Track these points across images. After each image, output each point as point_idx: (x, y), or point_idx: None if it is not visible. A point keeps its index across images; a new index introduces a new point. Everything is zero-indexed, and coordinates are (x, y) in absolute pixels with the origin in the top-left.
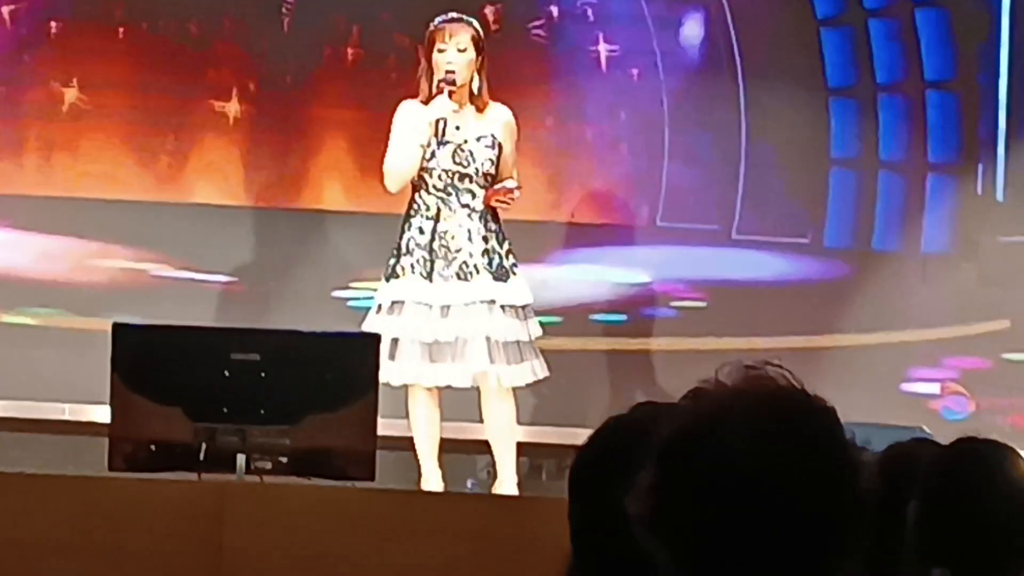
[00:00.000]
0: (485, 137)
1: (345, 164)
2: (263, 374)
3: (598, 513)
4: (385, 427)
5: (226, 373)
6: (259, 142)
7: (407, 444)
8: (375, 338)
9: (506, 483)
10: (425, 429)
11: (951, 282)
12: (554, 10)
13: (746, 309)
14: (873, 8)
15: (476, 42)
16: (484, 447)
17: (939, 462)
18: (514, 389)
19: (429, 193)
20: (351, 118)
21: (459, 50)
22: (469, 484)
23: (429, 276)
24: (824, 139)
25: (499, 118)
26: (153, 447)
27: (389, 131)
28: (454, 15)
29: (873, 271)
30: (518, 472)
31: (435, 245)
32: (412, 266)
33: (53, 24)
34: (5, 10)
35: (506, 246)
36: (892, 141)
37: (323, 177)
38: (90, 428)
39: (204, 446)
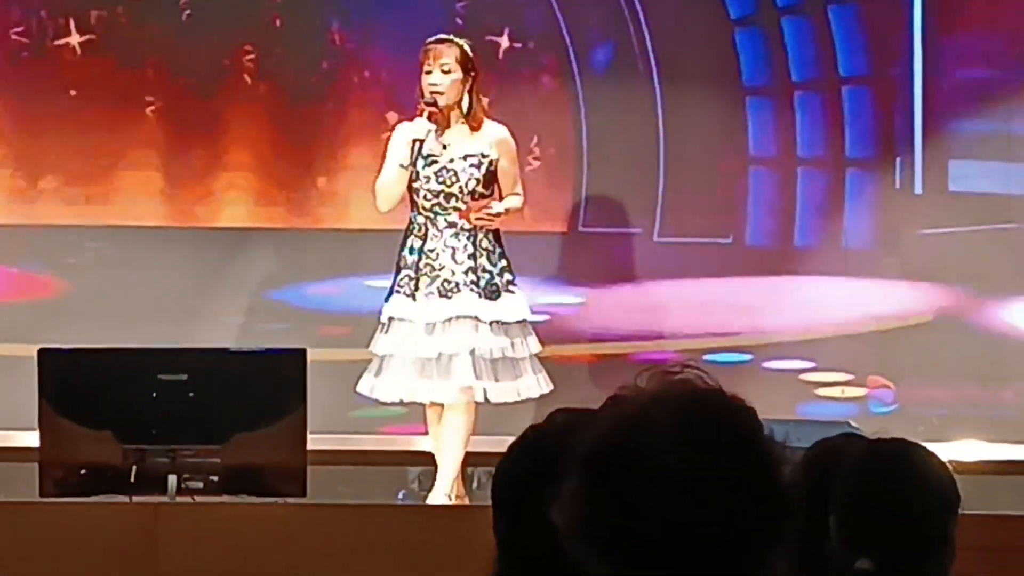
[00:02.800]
0: (472, 156)
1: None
2: (191, 394)
3: (523, 524)
4: (318, 442)
5: (154, 394)
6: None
7: (340, 458)
8: (301, 354)
9: (438, 494)
10: (434, 443)
11: (874, 276)
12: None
13: (672, 311)
14: (786, 6)
15: (463, 63)
16: (417, 458)
17: (858, 459)
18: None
19: (420, 213)
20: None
21: (443, 71)
22: (400, 495)
23: (413, 295)
24: (742, 139)
25: (491, 136)
26: (83, 471)
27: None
28: (441, 36)
29: (796, 268)
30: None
31: (421, 264)
32: (401, 284)
33: None
34: None
35: (500, 264)
36: (809, 138)
37: (238, 195)
38: (20, 454)
39: (134, 468)
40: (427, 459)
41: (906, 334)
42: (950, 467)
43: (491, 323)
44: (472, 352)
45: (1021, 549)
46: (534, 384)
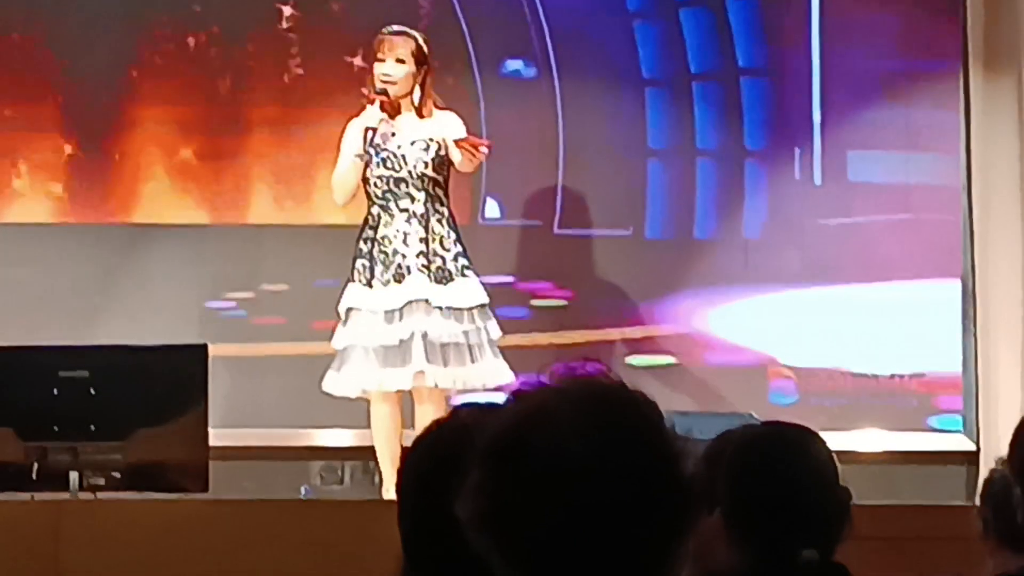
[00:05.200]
0: (419, 141)
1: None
2: (92, 390)
3: (428, 519)
4: (220, 438)
5: (55, 391)
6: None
7: (242, 453)
8: (202, 348)
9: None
10: (384, 433)
11: (775, 267)
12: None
13: (573, 304)
14: None
15: (416, 55)
16: (318, 453)
17: (736, 447)
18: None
19: (373, 203)
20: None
21: (397, 60)
22: (303, 491)
23: (369, 283)
24: (641, 130)
25: (439, 121)
26: None
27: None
28: (396, 27)
29: (696, 260)
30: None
31: (375, 252)
32: (356, 274)
33: None
34: None
35: (454, 250)
36: (708, 129)
37: (142, 190)
38: None
39: (36, 465)
40: (328, 454)
41: (807, 324)
42: (830, 449)
43: (443, 308)
44: (424, 336)
45: (920, 539)
46: (488, 373)
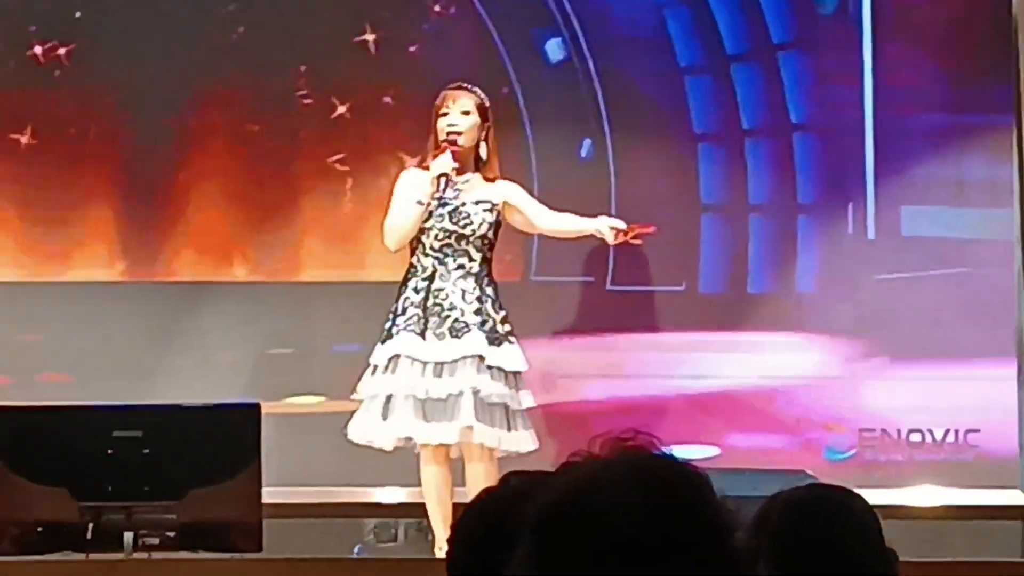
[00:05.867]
0: (484, 202)
1: (216, 235)
2: (146, 450)
3: None
4: (273, 495)
5: (109, 451)
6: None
7: (296, 511)
8: (255, 408)
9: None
10: (435, 494)
11: (827, 322)
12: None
13: (626, 359)
14: (735, 54)
15: (480, 109)
16: (372, 510)
17: (785, 511)
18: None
19: (426, 255)
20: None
21: (463, 112)
22: (356, 550)
23: (422, 334)
24: (693, 185)
25: (503, 188)
26: (40, 529)
27: (260, 200)
28: (460, 83)
29: (751, 314)
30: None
31: (429, 304)
32: (406, 324)
33: None
34: None
35: (501, 314)
36: (761, 184)
37: (193, 248)
38: None
39: (91, 525)
40: (382, 511)
41: (863, 379)
42: (873, 511)
43: (493, 368)
44: (476, 392)
45: None
46: (525, 439)
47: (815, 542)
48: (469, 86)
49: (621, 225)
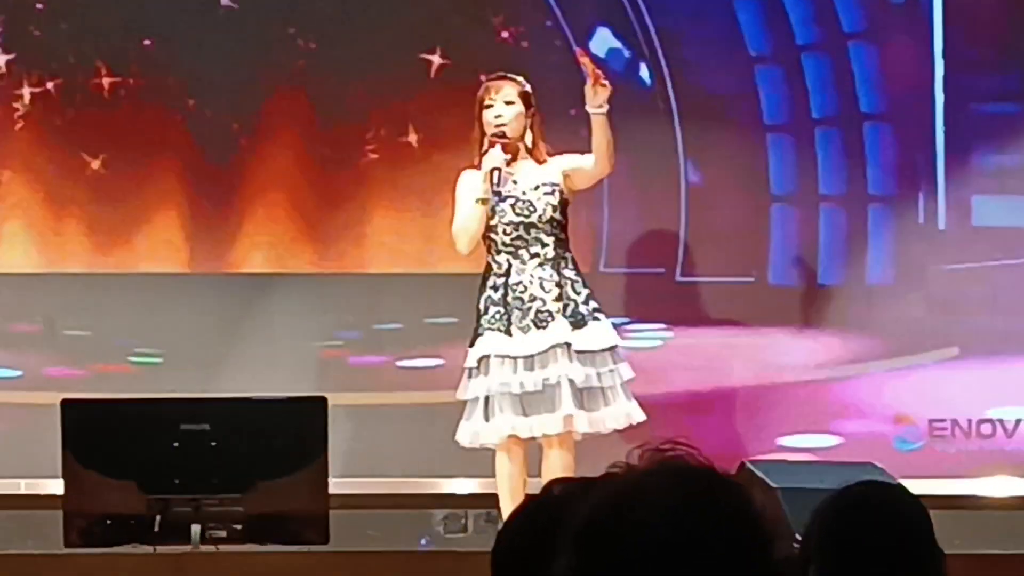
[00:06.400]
0: (544, 185)
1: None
2: (213, 443)
3: None
4: (340, 486)
5: (176, 444)
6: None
7: (364, 502)
8: (322, 401)
9: None
10: (508, 485)
11: (899, 312)
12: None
13: (697, 351)
14: (805, 43)
15: (524, 97)
16: (442, 501)
17: (822, 513)
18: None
19: (499, 251)
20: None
21: (506, 102)
22: (423, 542)
23: (507, 330)
24: (763, 176)
25: (557, 165)
26: (108, 521)
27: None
28: (501, 72)
29: (821, 306)
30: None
31: (509, 299)
32: (490, 324)
33: None
34: None
35: (584, 292)
36: (831, 175)
37: (256, 241)
38: (46, 502)
39: (158, 518)
40: (452, 502)
41: (933, 369)
42: (922, 506)
43: (579, 352)
44: (571, 381)
45: None
46: (622, 415)
47: (860, 542)
48: (509, 75)
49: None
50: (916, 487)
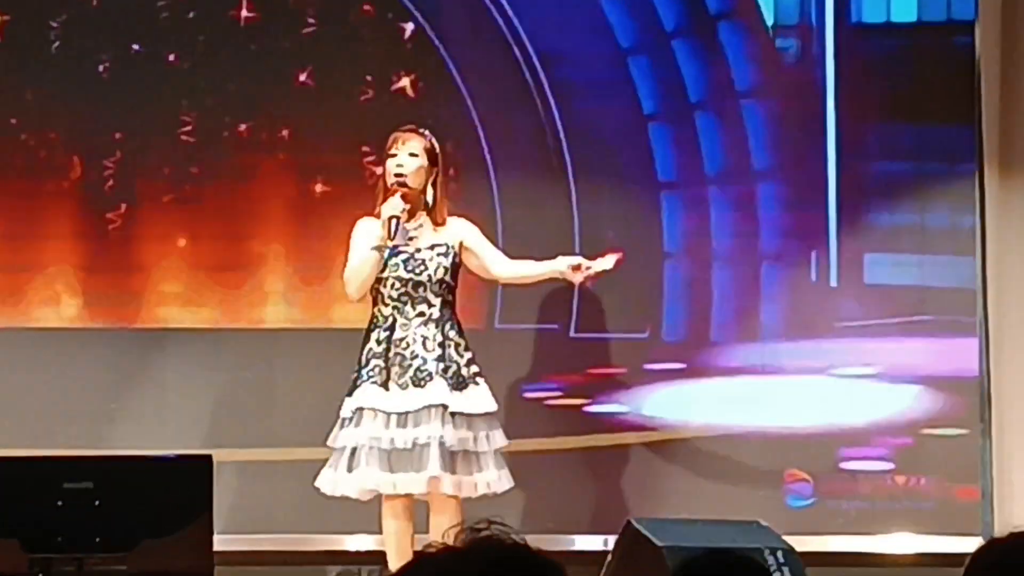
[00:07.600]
0: (440, 246)
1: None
2: (97, 502)
3: None
4: (230, 543)
5: (59, 502)
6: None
7: (253, 558)
8: (206, 459)
9: None
10: (394, 542)
11: (792, 368)
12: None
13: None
14: (698, 101)
15: (429, 152)
16: (335, 557)
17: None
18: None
19: (385, 304)
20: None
21: (410, 155)
22: None
23: (385, 384)
24: (657, 233)
25: (455, 229)
26: None
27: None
28: (410, 126)
29: (713, 363)
30: None
31: (391, 354)
32: (369, 376)
33: None
34: None
35: (467, 356)
36: (724, 232)
37: (156, 295)
38: None
39: None
40: (345, 558)
41: (824, 424)
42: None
43: (455, 414)
44: (441, 442)
45: None
46: (495, 480)
47: None
48: (417, 128)
49: (580, 261)
50: (803, 544)
